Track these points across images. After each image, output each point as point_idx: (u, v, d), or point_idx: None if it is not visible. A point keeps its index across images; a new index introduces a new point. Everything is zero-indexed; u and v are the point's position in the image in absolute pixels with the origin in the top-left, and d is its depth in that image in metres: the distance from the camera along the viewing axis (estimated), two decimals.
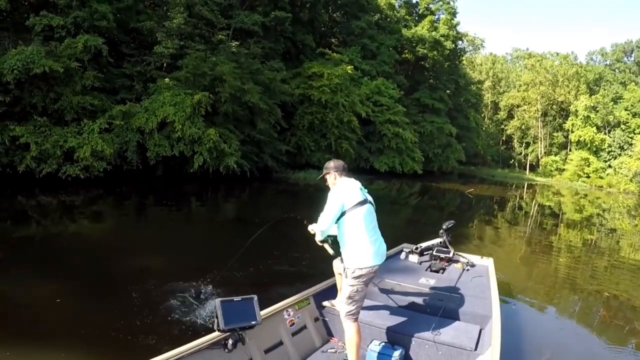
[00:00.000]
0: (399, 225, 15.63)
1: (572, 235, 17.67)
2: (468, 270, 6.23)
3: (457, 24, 45.91)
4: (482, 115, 66.69)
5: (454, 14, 45.40)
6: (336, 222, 4.04)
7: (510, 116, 69.12)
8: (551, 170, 59.65)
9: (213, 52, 23.69)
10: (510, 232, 16.99)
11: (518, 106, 66.97)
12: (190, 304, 6.23)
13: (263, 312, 4.07)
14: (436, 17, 45.39)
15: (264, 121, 24.09)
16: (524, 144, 68.00)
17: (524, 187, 45.18)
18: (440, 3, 45.61)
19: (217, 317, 3.57)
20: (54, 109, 17.94)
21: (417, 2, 47.34)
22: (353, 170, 32.16)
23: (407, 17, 45.94)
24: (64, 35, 18.80)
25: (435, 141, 41.97)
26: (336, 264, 4.73)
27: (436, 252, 6.65)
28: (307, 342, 4.60)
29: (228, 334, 3.63)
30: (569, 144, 61.33)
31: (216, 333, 3.64)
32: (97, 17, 19.65)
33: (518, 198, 33.51)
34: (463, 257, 6.66)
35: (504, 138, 71.45)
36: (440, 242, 6.88)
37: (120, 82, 21.41)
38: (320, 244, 4.27)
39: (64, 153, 17.34)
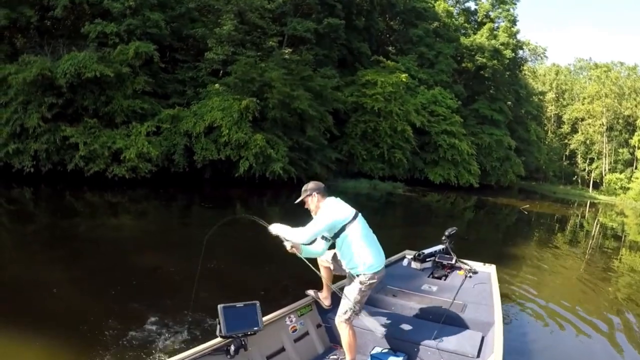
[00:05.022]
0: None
1: (633, 259, 16.16)
2: (470, 277, 6.19)
3: (517, 31, 44.29)
4: (545, 128, 64.13)
5: (513, 21, 43.84)
6: (337, 238, 4.09)
7: (574, 130, 66.05)
8: (615, 189, 56.22)
9: (265, 58, 23.73)
10: (562, 252, 15.64)
11: (582, 119, 63.88)
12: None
13: (265, 318, 4.02)
14: (495, 25, 44.02)
15: (314, 128, 23.88)
16: (587, 160, 64.75)
17: (585, 205, 42.67)
18: (500, 10, 44.15)
19: (219, 323, 3.54)
20: (105, 112, 18.57)
21: (475, 9, 46.25)
22: (406, 181, 31.47)
23: (465, 24, 44.98)
24: (117, 42, 19.42)
25: (494, 154, 40.37)
26: (325, 257, 4.57)
27: (438, 258, 6.65)
28: (309, 349, 4.56)
29: (230, 340, 3.59)
30: (635, 161, 57.89)
31: (218, 339, 3.60)
32: (149, 24, 20.24)
33: (580, 217, 31.55)
34: (465, 263, 6.59)
35: (567, 153, 68.35)
36: (443, 249, 6.83)
37: (173, 87, 21.92)
38: (290, 250, 4.09)
39: (111, 154, 17.89)
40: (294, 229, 4.05)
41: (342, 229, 4.02)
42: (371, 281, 4.07)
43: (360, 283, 4.06)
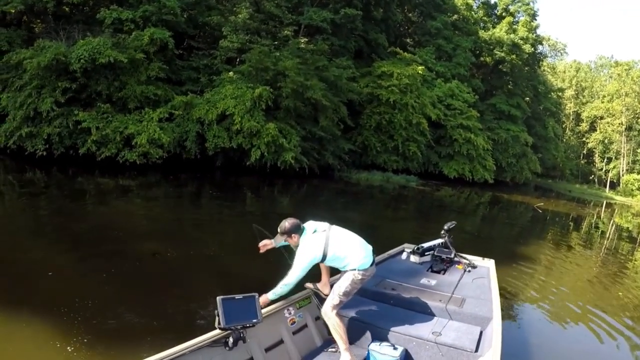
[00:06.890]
0: (465, 238, 14.61)
1: None
2: (469, 271, 6.22)
3: (537, 26, 43.50)
4: (563, 126, 63.13)
5: (533, 16, 43.11)
6: (323, 261, 4.33)
7: (593, 128, 64.84)
8: (632, 190, 55.05)
9: (280, 47, 23.61)
10: (574, 252, 15.28)
11: (601, 118, 62.68)
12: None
13: (264, 311, 4.05)
14: (515, 19, 43.28)
15: (328, 118, 23.70)
16: (605, 160, 63.58)
17: (601, 205, 41.80)
18: (520, 4, 43.42)
19: (217, 315, 3.56)
20: (118, 97, 18.66)
21: (495, 3, 45.53)
22: (420, 174, 31.20)
23: (484, 18, 44.36)
24: (133, 29, 19.49)
25: (510, 150, 39.81)
26: None
27: (437, 252, 6.64)
28: (307, 341, 4.58)
29: (229, 332, 3.61)
30: None
31: (217, 331, 3.62)
32: (165, 11, 20.27)
33: (595, 217, 30.92)
34: (464, 258, 6.64)
35: (584, 151, 67.19)
36: (442, 243, 6.84)
37: (187, 74, 21.99)
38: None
39: (123, 139, 17.98)
40: (281, 285, 4.23)
41: (325, 255, 4.25)
42: (362, 277, 4.29)
43: (353, 276, 4.27)
